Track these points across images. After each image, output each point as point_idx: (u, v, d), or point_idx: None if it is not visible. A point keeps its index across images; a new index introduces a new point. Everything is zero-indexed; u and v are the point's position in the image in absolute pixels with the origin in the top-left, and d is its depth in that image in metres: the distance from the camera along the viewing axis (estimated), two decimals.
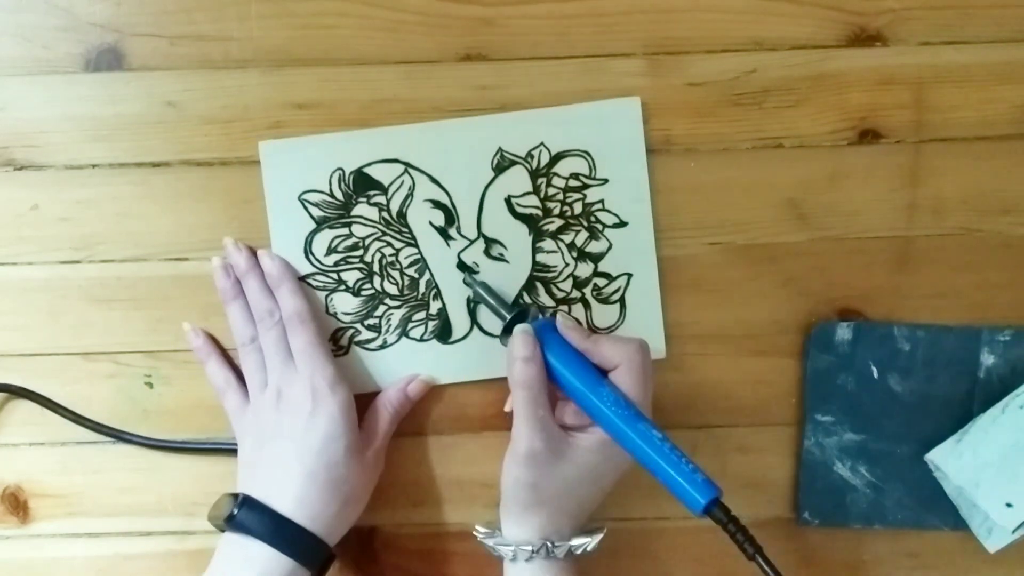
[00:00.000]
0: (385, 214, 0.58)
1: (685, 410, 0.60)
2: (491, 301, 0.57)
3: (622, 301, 0.59)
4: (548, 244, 0.59)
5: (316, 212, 0.58)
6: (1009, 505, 0.57)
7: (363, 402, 0.58)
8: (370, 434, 0.57)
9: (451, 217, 0.58)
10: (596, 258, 0.59)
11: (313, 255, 0.58)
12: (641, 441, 0.51)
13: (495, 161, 0.58)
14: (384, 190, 0.58)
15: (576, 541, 0.53)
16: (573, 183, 0.58)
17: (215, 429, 0.59)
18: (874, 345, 0.59)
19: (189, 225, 0.59)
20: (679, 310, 0.59)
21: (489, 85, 0.58)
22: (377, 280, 0.59)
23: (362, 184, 0.58)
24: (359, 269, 0.59)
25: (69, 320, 0.59)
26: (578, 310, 0.59)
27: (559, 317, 0.55)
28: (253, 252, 0.58)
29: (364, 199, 0.58)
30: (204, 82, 0.58)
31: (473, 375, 0.59)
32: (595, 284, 0.59)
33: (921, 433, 0.58)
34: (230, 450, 0.58)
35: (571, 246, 0.59)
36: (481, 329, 0.59)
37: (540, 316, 0.56)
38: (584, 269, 0.59)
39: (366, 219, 0.58)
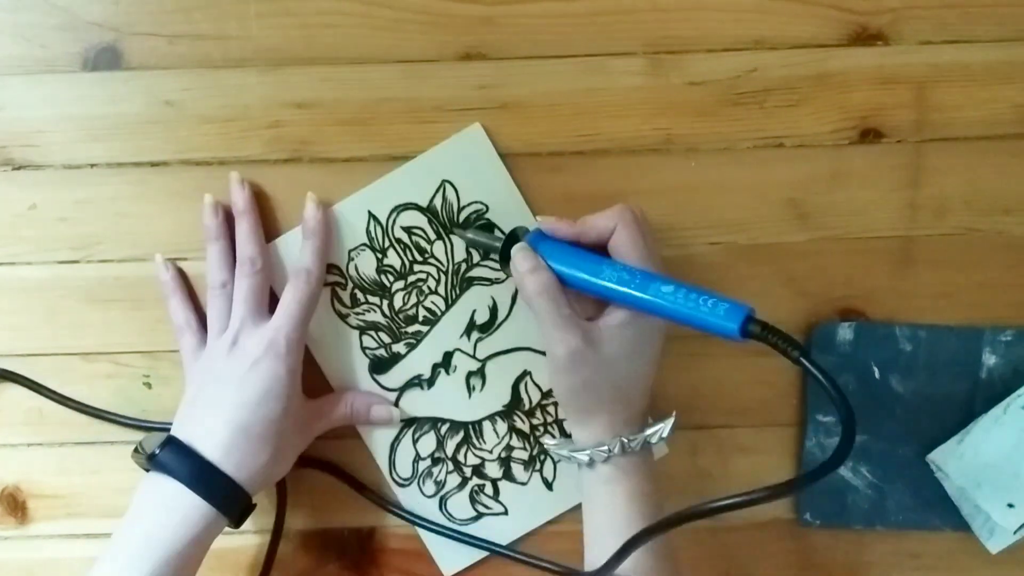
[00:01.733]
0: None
1: (685, 410, 0.60)
2: (483, 241, 0.57)
3: None
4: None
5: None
6: (1011, 505, 0.57)
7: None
8: (318, 412, 0.57)
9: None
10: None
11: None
12: (659, 301, 0.49)
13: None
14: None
15: (649, 430, 0.53)
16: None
17: None
18: (875, 345, 0.59)
19: (188, 225, 0.58)
20: None
21: (489, 85, 0.58)
22: (399, 284, 0.59)
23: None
24: (403, 265, 0.59)
25: (67, 320, 0.59)
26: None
27: (540, 220, 0.54)
28: (254, 195, 0.57)
29: (454, 227, 0.59)
30: (203, 81, 0.58)
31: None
32: None
33: (922, 434, 0.58)
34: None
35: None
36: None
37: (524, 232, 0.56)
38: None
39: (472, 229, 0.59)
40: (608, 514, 0.53)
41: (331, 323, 0.59)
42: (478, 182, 0.58)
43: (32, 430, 0.60)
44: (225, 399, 0.53)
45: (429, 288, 0.59)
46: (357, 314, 0.59)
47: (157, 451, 0.51)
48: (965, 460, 0.57)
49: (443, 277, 0.59)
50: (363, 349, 0.59)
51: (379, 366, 0.59)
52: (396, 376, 0.59)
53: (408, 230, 0.58)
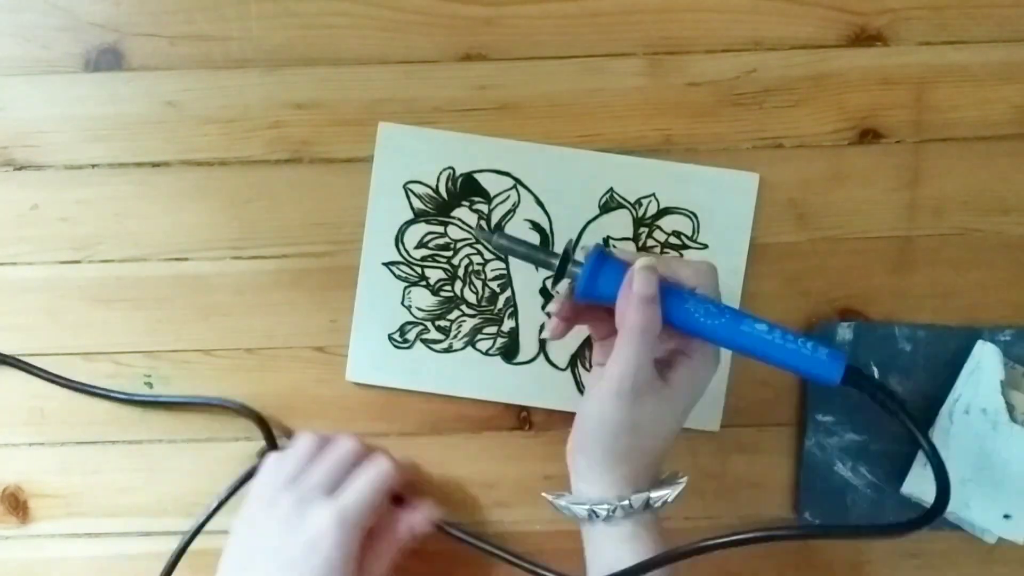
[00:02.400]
0: (483, 223, 0.58)
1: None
2: (523, 251, 0.51)
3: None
4: None
5: (417, 204, 0.58)
6: (1007, 516, 0.57)
7: (402, 402, 0.58)
8: (368, 568, 0.53)
9: (546, 242, 0.58)
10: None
11: (403, 245, 0.58)
12: (755, 339, 0.48)
13: (603, 200, 0.58)
14: (489, 199, 0.58)
15: (656, 493, 0.50)
16: (673, 240, 0.58)
17: (213, 429, 0.59)
18: (875, 345, 0.59)
19: (189, 225, 0.59)
20: None
21: (489, 85, 0.58)
22: (459, 285, 0.59)
23: (469, 188, 0.58)
24: (444, 269, 0.59)
25: (69, 320, 0.59)
26: None
27: (637, 264, 0.49)
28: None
29: (467, 203, 0.58)
30: (204, 82, 0.58)
31: (529, 400, 0.59)
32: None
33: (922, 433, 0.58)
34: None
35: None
36: (547, 359, 0.59)
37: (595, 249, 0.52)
38: None
39: (464, 223, 0.58)
40: (607, 547, 0.50)
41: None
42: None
43: (33, 430, 0.60)
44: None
45: (480, 263, 0.59)
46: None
47: None
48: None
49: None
50: (487, 349, 0.59)
51: (509, 353, 0.59)
52: (528, 349, 0.59)
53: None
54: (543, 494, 0.53)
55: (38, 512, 0.60)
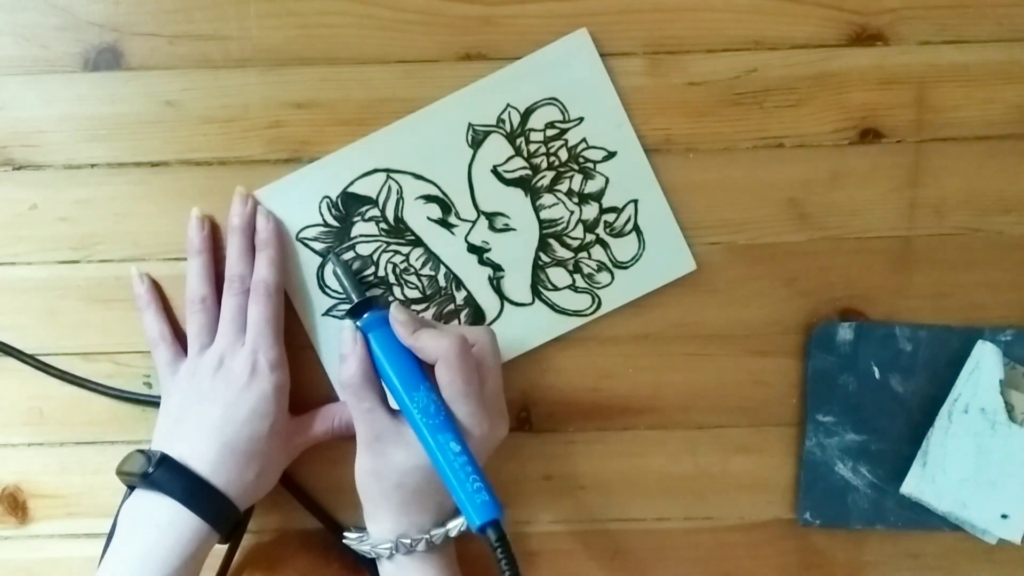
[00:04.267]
0: (383, 224, 0.58)
1: (685, 410, 0.60)
2: (346, 283, 0.56)
3: (636, 229, 0.58)
4: (547, 199, 0.58)
5: (317, 245, 0.58)
6: (1005, 516, 0.57)
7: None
8: (302, 428, 0.57)
9: (446, 206, 0.58)
10: (597, 196, 0.58)
11: (328, 287, 0.58)
12: (437, 452, 0.50)
13: (469, 137, 0.58)
14: (375, 202, 0.58)
15: (434, 532, 0.52)
16: (551, 132, 0.58)
17: None
18: (875, 345, 0.59)
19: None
20: (680, 309, 0.59)
21: None
22: (397, 290, 0.59)
23: (352, 203, 0.58)
24: (376, 285, 0.59)
25: (68, 320, 0.59)
26: (597, 252, 0.58)
27: (392, 309, 0.53)
28: (255, 213, 0.57)
29: (359, 217, 0.58)
30: (203, 81, 0.58)
31: (516, 350, 0.59)
32: (605, 221, 0.58)
33: (922, 434, 0.58)
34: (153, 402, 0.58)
35: (570, 193, 0.58)
36: (512, 302, 0.59)
37: (383, 306, 0.55)
38: (590, 211, 0.58)
39: (367, 235, 0.58)
40: None
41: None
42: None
43: (32, 430, 0.60)
44: (213, 418, 0.53)
45: (403, 260, 0.59)
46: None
47: (151, 470, 0.52)
48: (938, 483, 0.57)
49: (392, 239, 0.58)
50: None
51: (476, 319, 0.59)
52: (491, 306, 0.59)
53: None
54: (344, 536, 0.56)
55: (37, 512, 0.60)
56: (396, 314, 0.53)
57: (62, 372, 0.59)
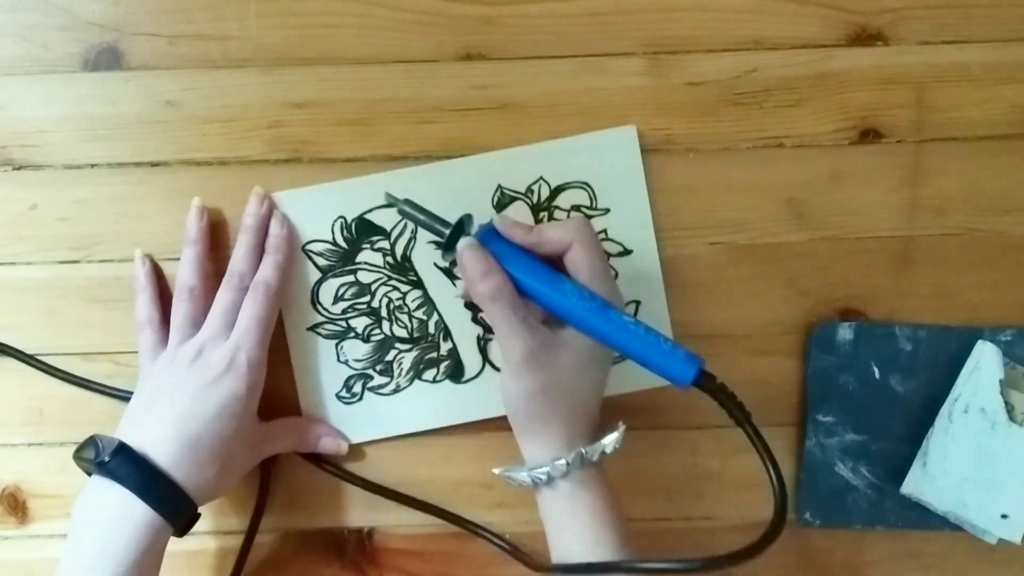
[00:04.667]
0: (389, 258, 0.58)
1: (685, 410, 0.60)
2: (423, 219, 0.52)
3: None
4: None
5: (321, 261, 0.58)
6: (1005, 516, 0.57)
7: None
8: (269, 435, 0.57)
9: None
10: None
11: (320, 304, 0.58)
12: (615, 329, 0.48)
13: (495, 198, 0.58)
14: (387, 235, 0.58)
15: (605, 439, 0.51)
16: (572, 213, 0.58)
17: None
18: (875, 345, 0.59)
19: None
20: (680, 310, 0.59)
21: (489, 85, 0.58)
22: (386, 325, 0.59)
23: (365, 230, 0.58)
24: (367, 315, 0.59)
25: (68, 320, 0.59)
26: None
27: (497, 219, 0.51)
28: (269, 216, 0.57)
29: (368, 245, 0.58)
30: (203, 81, 0.58)
31: (489, 413, 0.59)
32: None
33: (923, 434, 0.58)
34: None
35: None
36: (494, 367, 0.59)
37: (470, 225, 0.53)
38: None
39: (371, 265, 0.58)
40: (574, 532, 0.51)
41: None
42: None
43: (32, 430, 0.60)
44: (180, 409, 0.52)
45: (399, 297, 0.59)
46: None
47: (107, 458, 0.50)
48: (938, 483, 0.57)
49: (394, 275, 0.58)
50: (433, 377, 0.59)
51: (455, 373, 0.59)
52: (472, 365, 0.59)
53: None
54: (494, 470, 0.53)
55: (37, 512, 0.60)
56: (505, 220, 0.51)
57: (62, 372, 0.59)
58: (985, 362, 0.57)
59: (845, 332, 0.59)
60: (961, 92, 0.59)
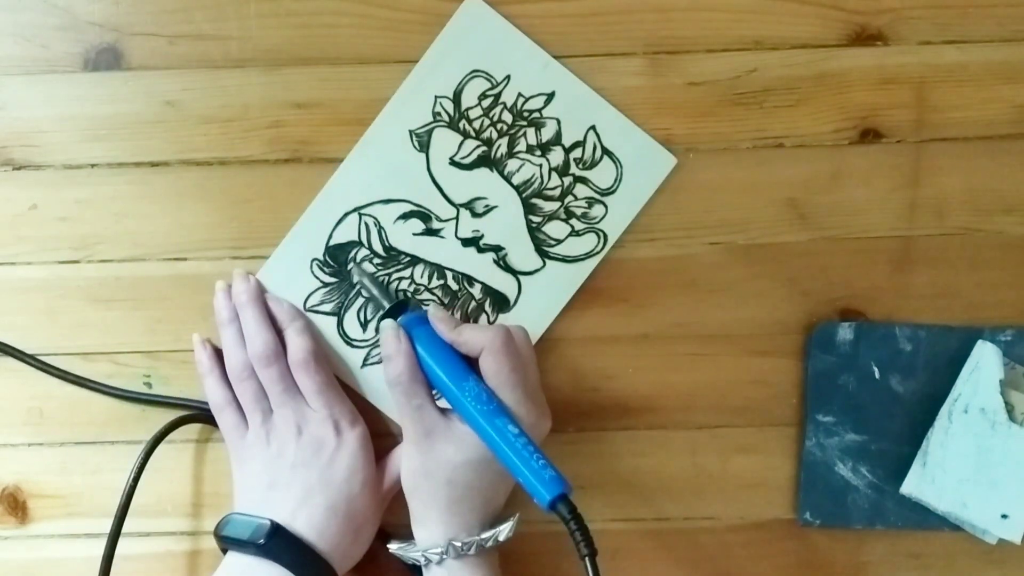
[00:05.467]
0: (377, 260, 0.58)
1: (685, 410, 0.60)
2: (374, 291, 0.57)
3: (606, 152, 0.58)
4: (513, 164, 0.58)
5: (327, 308, 0.58)
6: (1005, 516, 0.57)
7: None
8: (387, 473, 0.57)
9: (425, 215, 0.58)
10: (556, 140, 0.58)
11: (353, 340, 0.59)
12: (496, 436, 0.50)
13: (416, 143, 0.58)
14: (360, 243, 0.58)
15: (485, 534, 0.52)
16: (486, 102, 0.58)
17: (212, 429, 0.59)
18: (875, 345, 0.59)
19: (188, 225, 0.59)
20: (680, 310, 0.59)
21: None
22: (429, 295, 0.59)
23: (339, 253, 0.58)
24: (400, 292, 0.59)
25: (68, 320, 0.59)
26: (580, 190, 0.58)
27: (430, 309, 0.55)
28: (259, 289, 0.57)
29: (352, 261, 0.58)
30: (203, 81, 0.58)
31: (550, 315, 0.59)
32: (574, 159, 0.58)
33: (922, 434, 0.58)
34: (201, 411, 0.58)
35: (530, 149, 0.58)
36: (525, 273, 0.59)
37: (416, 308, 0.56)
38: (555, 157, 0.58)
39: (368, 275, 0.58)
40: None
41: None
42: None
43: (32, 430, 0.60)
44: (311, 483, 0.54)
45: (409, 282, 0.59)
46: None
47: (263, 540, 0.52)
48: (938, 483, 0.57)
49: (392, 269, 0.59)
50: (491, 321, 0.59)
51: (502, 304, 0.59)
52: (509, 288, 0.59)
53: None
54: (389, 546, 0.55)
55: (37, 512, 0.60)
56: (436, 312, 0.55)
57: (62, 372, 0.59)
58: (985, 362, 0.58)
59: (845, 332, 0.59)
60: (961, 92, 0.59)
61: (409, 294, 0.58)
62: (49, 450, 0.60)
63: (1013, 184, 0.59)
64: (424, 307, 0.57)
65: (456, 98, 0.58)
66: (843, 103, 0.58)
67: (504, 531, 0.53)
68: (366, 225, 0.58)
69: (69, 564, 0.60)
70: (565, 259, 0.59)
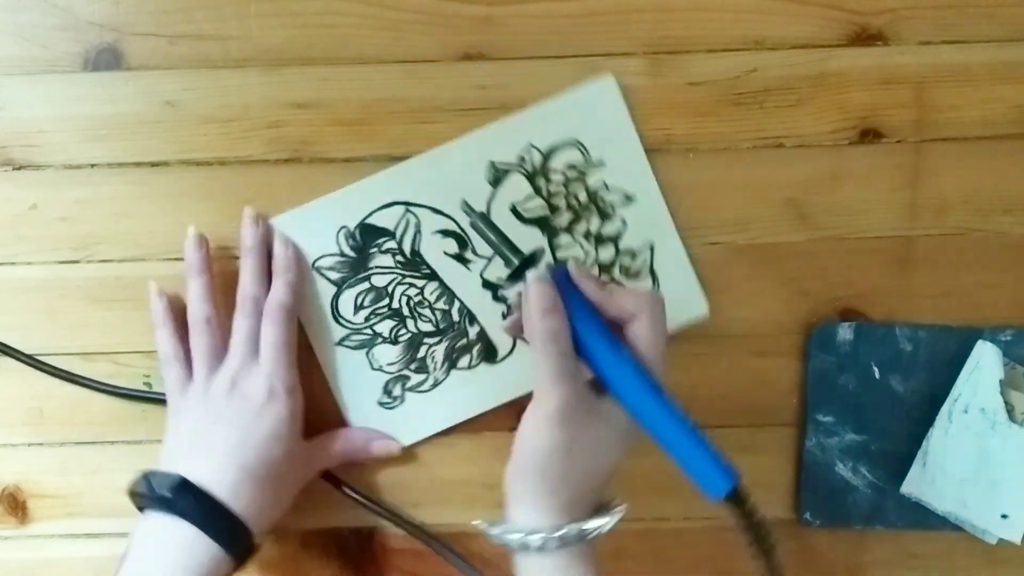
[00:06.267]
0: (399, 257, 0.58)
1: (685, 410, 0.60)
2: (496, 240, 0.55)
3: (652, 273, 0.58)
4: (564, 239, 0.58)
5: (332, 275, 0.58)
6: (1005, 516, 0.58)
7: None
8: (315, 452, 0.57)
9: (463, 241, 0.58)
10: (614, 238, 0.58)
11: (342, 317, 0.58)
12: (665, 417, 0.46)
13: (490, 175, 0.58)
14: (392, 234, 0.58)
15: (592, 523, 0.48)
16: (571, 174, 0.58)
17: None
18: (875, 345, 0.59)
19: (188, 225, 0.58)
20: None
21: (489, 85, 0.58)
22: (411, 323, 0.59)
23: (370, 235, 0.58)
24: (390, 317, 0.59)
25: (68, 320, 0.59)
26: None
27: (571, 264, 0.50)
28: (267, 234, 0.57)
29: (375, 248, 0.58)
30: (203, 81, 0.58)
31: (523, 388, 0.58)
32: (621, 264, 0.58)
33: (922, 434, 0.58)
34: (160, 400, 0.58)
35: (587, 235, 0.58)
36: (525, 341, 0.58)
37: (551, 263, 0.55)
38: (606, 253, 0.58)
39: (382, 267, 0.58)
40: None
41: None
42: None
43: (32, 430, 0.60)
44: (231, 440, 0.53)
45: (418, 293, 0.59)
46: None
47: (169, 494, 0.51)
48: (937, 484, 0.58)
49: (408, 272, 0.58)
50: (469, 363, 0.59)
51: (489, 354, 0.58)
52: (503, 342, 0.59)
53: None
54: (473, 522, 0.51)
55: (37, 512, 0.60)
56: (581, 269, 0.50)
57: (62, 372, 0.59)
58: (985, 362, 0.58)
59: (845, 332, 0.59)
60: (961, 92, 0.59)
61: (535, 249, 0.55)
62: (49, 450, 0.60)
63: (1013, 184, 0.59)
64: (558, 264, 0.52)
65: (547, 155, 0.58)
66: (843, 103, 0.58)
67: (612, 522, 0.48)
68: (407, 221, 0.58)
69: (69, 564, 0.60)
70: None
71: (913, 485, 0.58)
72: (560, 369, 0.47)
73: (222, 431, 0.53)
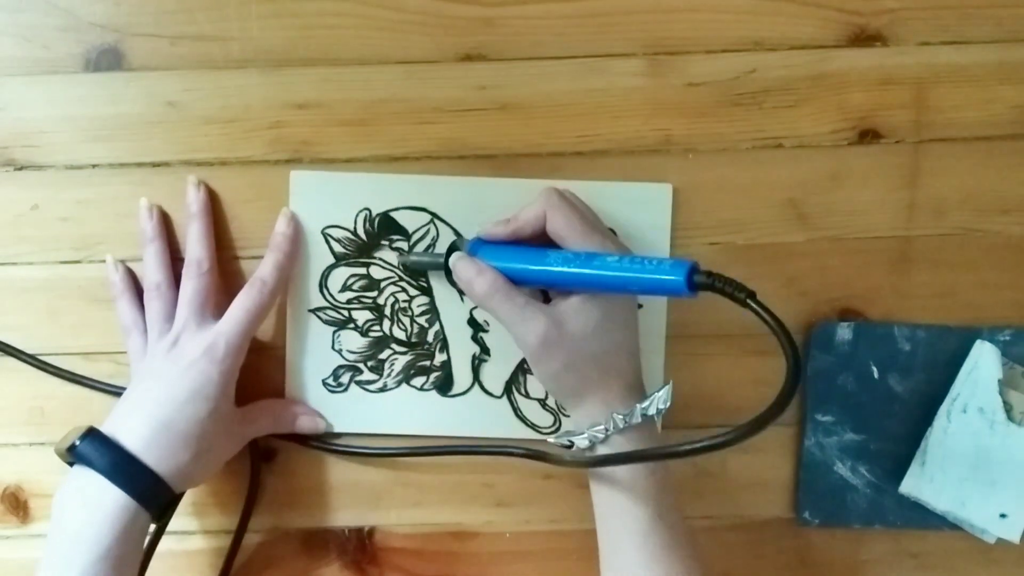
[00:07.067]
0: (403, 262, 0.58)
1: (685, 410, 0.60)
2: (427, 260, 0.57)
3: None
4: None
5: (337, 248, 0.58)
6: (1003, 515, 0.58)
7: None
8: (247, 418, 0.57)
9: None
10: None
11: (328, 289, 0.58)
12: (605, 273, 0.49)
13: None
14: (407, 236, 0.58)
15: (644, 402, 0.51)
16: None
17: None
18: (874, 345, 0.59)
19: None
20: (680, 310, 0.59)
21: (489, 85, 0.58)
22: (387, 324, 0.59)
23: (387, 227, 0.58)
24: (370, 310, 0.59)
25: (69, 320, 0.59)
26: None
27: (481, 230, 0.55)
28: (209, 199, 0.58)
29: (387, 242, 0.58)
30: (204, 82, 0.58)
31: (470, 431, 0.59)
32: None
33: (921, 433, 0.58)
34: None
35: None
36: (483, 388, 0.59)
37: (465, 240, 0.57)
38: None
39: (385, 262, 0.58)
40: (617, 495, 0.51)
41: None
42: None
43: (33, 430, 0.60)
44: (153, 395, 0.53)
45: (406, 300, 0.59)
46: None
47: (77, 442, 0.51)
48: (936, 483, 0.58)
49: (406, 277, 0.59)
50: (421, 385, 0.59)
51: (444, 386, 0.59)
52: (462, 381, 0.59)
53: None
54: (549, 439, 0.54)
55: (38, 512, 0.60)
56: (485, 225, 0.55)
57: (63, 372, 0.59)
58: (984, 362, 0.58)
59: (844, 332, 0.59)
60: (961, 92, 0.59)
61: (453, 241, 0.57)
62: (50, 450, 0.60)
63: (1012, 184, 0.59)
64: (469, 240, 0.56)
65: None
66: (842, 103, 0.59)
67: (662, 397, 0.51)
68: (427, 231, 0.58)
69: None
70: (517, 411, 0.59)
71: (912, 484, 0.58)
72: (514, 309, 0.51)
73: (152, 386, 0.53)
